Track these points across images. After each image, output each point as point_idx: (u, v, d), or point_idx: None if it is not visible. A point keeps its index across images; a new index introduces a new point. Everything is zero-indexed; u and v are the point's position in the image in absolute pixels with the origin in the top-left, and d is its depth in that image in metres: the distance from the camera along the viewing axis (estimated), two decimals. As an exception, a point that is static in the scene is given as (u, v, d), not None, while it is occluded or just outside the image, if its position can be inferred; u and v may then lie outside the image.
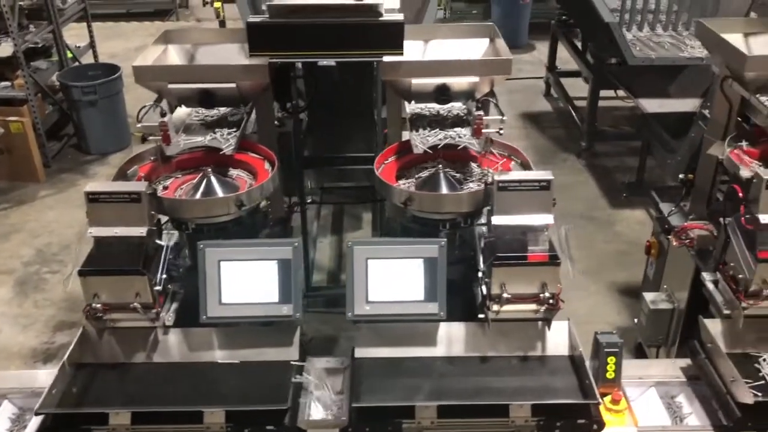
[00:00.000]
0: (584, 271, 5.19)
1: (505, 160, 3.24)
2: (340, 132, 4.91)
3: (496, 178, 2.73)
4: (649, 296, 3.74)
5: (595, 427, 2.63)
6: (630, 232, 5.71)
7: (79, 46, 7.84)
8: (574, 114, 7.13)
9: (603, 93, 6.58)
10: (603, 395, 2.83)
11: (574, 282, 5.12)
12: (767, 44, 3.44)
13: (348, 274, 2.83)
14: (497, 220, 2.76)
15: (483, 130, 2.92)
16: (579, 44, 7.38)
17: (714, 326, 2.96)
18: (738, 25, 3.54)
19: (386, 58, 2.98)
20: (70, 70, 7.15)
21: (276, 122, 4.16)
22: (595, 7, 5.65)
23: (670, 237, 3.49)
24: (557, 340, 2.93)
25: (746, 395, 2.62)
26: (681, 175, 3.73)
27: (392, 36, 2.93)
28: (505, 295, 2.75)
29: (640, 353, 4.18)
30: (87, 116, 6.88)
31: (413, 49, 3.40)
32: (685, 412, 2.90)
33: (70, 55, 7.40)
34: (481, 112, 2.91)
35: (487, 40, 3.46)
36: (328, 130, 4.79)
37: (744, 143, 3.25)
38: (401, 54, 2.97)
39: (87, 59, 7.90)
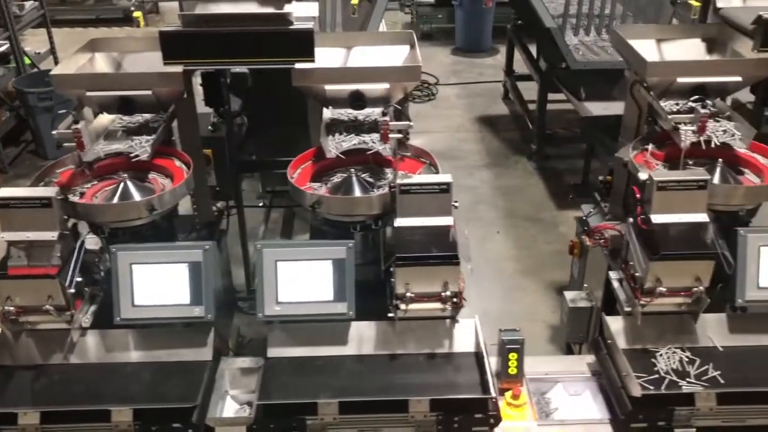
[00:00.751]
0: (524, 270, 5.31)
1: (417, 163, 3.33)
2: (284, 135, 4.97)
3: (398, 181, 2.83)
4: (569, 295, 3.84)
5: (491, 421, 2.72)
6: (573, 234, 5.77)
7: (39, 53, 7.88)
8: (526, 117, 7.25)
9: (558, 96, 6.70)
10: (505, 391, 2.95)
11: (514, 281, 5.28)
12: (678, 50, 3.55)
13: (258, 276, 2.91)
14: (400, 222, 2.85)
15: (390, 135, 3.00)
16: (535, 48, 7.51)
17: (615, 323, 3.07)
18: (652, 31, 3.65)
19: (298, 65, 3.07)
20: (27, 77, 7.20)
21: (210, 127, 4.25)
22: (537, 13, 5.76)
23: (584, 237, 3.59)
24: (464, 337, 3.02)
25: (636, 389, 2.72)
26: (600, 177, 3.84)
27: (303, 43, 3.01)
28: (409, 294, 2.84)
29: (571, 350, 4.28)
30: (43, 122, 6.92)
31: (334, 56, 3.50)
32: (589, 407, 3.00)
33: (28, 61, 7.45)
34: (387, 118, 2.99)
35: (407, 47, 3.54)
36: (271, 134, 4.86)
37: (651, 146, 3.35)
38: (312, 61, 3.05)
39: (48, 65, 7.94)
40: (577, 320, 3.77)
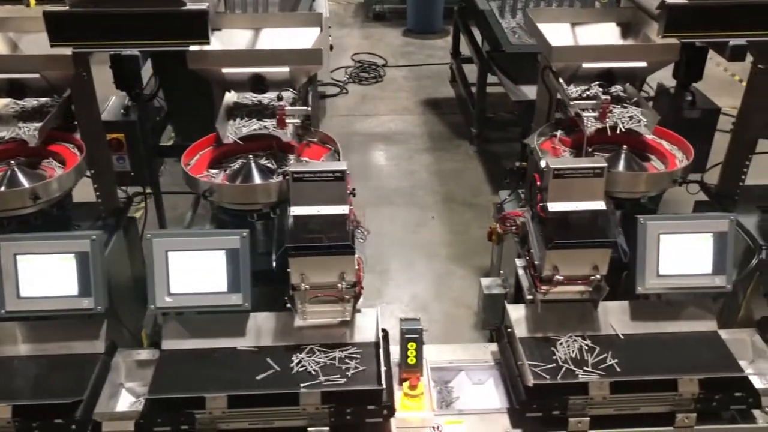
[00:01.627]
0: (456, 256, 5.28)
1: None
2: (207, 119, 4.85)
3: (290, 169, 2.75)
4: (485, 281, 3.81)
5: (384, 412, 2.69)
6: (507, 218, 5.80)
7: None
8: (468, 101, 7.19)
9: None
10: (405, 381, 2.91)
11: (445, 267, 5.25)
12: (590, 34, 3.51)
13: (148, 266, 2.82)
14: (294, 210, 2.78)
15: (287, 121, 2.92)
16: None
17: (516, 311, 3.05)
18: (566, 15, 3.61)
19: (192, 48, 2.96)
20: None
21: (122, 110, 4.11)
22: (472, -5, 5.70)
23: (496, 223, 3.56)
24: (366, 327, 2.97)
25: (529, 378, 2.70)
26: (517, 163, 3.80)
27: (196, 25, 2.90)
28: (304, 285, 2.78)
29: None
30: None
31: (240, 39, 3.39)
32: (491, 396, 2.98)
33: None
34: (282, 103, 2.91)
35: (317, 30, 3.45)
36: (193, 117, 4.73)
37: (559, 132, 3.32)
38: (207, 43, 2.95)
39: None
40: (491, 307, 3.75)
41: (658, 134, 3.31)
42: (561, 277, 2.84)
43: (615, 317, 3.04)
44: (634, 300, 3.05)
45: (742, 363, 3.08)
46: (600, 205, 2.83)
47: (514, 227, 3.48)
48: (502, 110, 7.29)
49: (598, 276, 2.84)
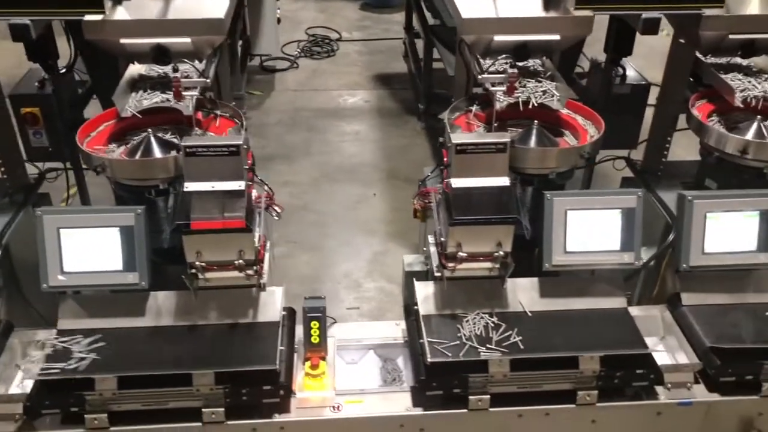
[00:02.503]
0: (394, 233, 5.23)
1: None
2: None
3: (183, 143, 2.66)
4: (408, 258, 3.75)
5: (281, 392, 2.64)
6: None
7: None
8: (417, 76, 7.10)
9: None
10: (308, 360, 2.86)
11: (382, 244, 5.20)
12: (511, 6, 3.42)
13: (39, 244, 2.73)
14: (189, 186, 2.69)
15: (184, 93, 2.82)
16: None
17: (424, 289, 3.01)
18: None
19: (88, 18, 2.84)
20: None
21: (37, 83, 3.97)
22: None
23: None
24: (270, 306, 2.92)
25: (428, 355, 2.67)
26: (441, 139, 3.73)
27: (90, -6, 2.78)
28: (198, 262, 2.70)
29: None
30: None
31: (152, 9, 3.26)
32: (401, 374, 2.95)
33: None
34: (178, 74, 2.81)
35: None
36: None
37: (475, 107, 3.26)
38: (102, 13, 2.83)
39: None
40: (412, 284, 3.69)
41: (573, 109, 3.26)
42: (465, 254, 2.80)
43: (524, 294, 3.01)
44: (543, 277, 3.03)
45: (653, 340, 3.09)
46: (504, 181, 2.79)
47: (430, 203, 3.42)
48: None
49: (502, 253, 2.80)
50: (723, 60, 3.42)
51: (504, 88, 2.92)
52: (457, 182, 2.77)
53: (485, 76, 2.95)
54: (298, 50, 8.31)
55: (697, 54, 3.40)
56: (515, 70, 2.89)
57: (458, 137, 2.76)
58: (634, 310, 3.09)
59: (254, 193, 3.39)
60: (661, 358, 3.01)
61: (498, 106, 3.01)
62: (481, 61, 3.14)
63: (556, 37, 3.06)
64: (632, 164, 3.88)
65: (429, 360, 2.64)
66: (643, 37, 3.26)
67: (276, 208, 3.41)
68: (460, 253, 2.79)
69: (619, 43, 3.91)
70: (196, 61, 3.10)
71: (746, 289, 3.06)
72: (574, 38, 3.12)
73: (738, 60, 3.41)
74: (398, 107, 7.21)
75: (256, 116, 6.89)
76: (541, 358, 2.71)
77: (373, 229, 5.30)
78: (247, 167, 2.77)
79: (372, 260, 4.98)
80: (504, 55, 3.08)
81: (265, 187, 3.43)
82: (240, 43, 7.28)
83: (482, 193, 2.77)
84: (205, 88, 2.90)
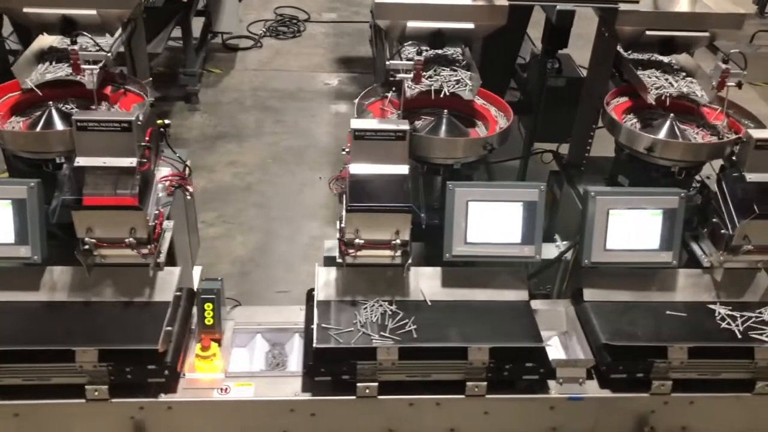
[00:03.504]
0: (334, 218, 5.19)
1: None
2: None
3: (74, 117, 2.62)
4: (328, 243, 3.71)
5: (166, 372, 2.62)
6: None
7: None
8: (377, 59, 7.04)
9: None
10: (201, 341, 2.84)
11: (320, 229, 5.18)
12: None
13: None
14: (80, 161, 2.65)
15: (84, 66, 2.77)
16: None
17: (326, 274, 2.99)
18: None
19: (-12, -15, 2.79)
20: None
21: None
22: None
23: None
24: (165, 286, 2.89)
25: (314, 341, 2.66)
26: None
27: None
28: (90, 239, 2.67)
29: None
30: None
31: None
32: (286, 359, 2.94)
33: None
34: (76, 47, 2.76)
35: (149, -26, 3.28)
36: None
37: (391, 94, 3.23)
38: (5, -19, 2.78)
39: None
40: (330, 269, 3.68)
41: (488, 100, 3.23)
42: (361, 241, 2.78)
43: (426, 283, 2.99)
44: (446, 266, 3.02)
45: (554, 334, 3.10)
46: (402, 169, 2.76)
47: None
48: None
49: (399, 241, 2.78)
50: (646, 56, 3.39)
51: (411, 75, 2.89)
52: (355, 168, 2.74)
53: (392, 62, 2.92)
54: (264, 29, 8.22)
55: (620, 49, 3.37)
56: (421, 58, 2.86)
57: (357, 122, 2.73)
58: (538, 304, 3.09)
59: (167, 171, 3.38)
60: (559, 352, 3.03)
61: (409, 93, 2.98)
62: (399, 47, 3.10)
63: (470, 25, 3.03)
64: (559, 158, 3.87)
65: (315, 345, 2.63)
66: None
67: (189, 188, 3.39)
68: (358, 240, 2.77)
69: (554, 35, 3.90)
70: (107, 35, 3.05)
71: (650, 287, 3.05)
72: (490, 27, 3.08)
73: (662, 57, 3.39)
74: (358, 92, 7.07)
75: (212, 94, 6.83)
76: (430, 348, 2.71)
77: (314, 213, 5.28)
78: (144, 144, 2.73)
79: (309, 244, 4.96)
80: (409, 42, 3.04)
81: (182, 167, 3.43)
82: (203, 20, 7.23)
83: (380, 180, 2.75)
84: (107, 62, 2.84)
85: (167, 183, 3.33)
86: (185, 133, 6.14)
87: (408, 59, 2.93)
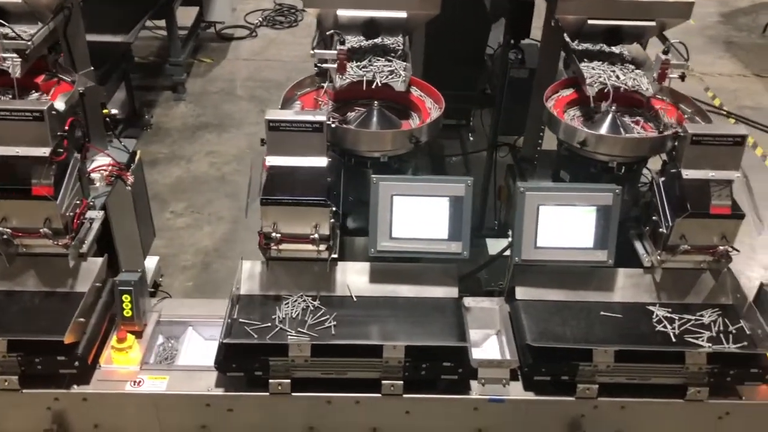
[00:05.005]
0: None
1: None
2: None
3: (-14, 106, 2.61)
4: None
5: (76, 363, 2.60)
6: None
7: None
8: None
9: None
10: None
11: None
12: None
13: None
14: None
15: (2, 55, 2.75)
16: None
17: (251, 268, 2.94)
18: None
19: None
20: None
21: None
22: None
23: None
24: (86, 277, 2.87)
25: (222, 335, 2.62)
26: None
27: None
28: (5, 228, 2.66)
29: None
30: None
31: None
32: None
33: None
34: (-5, 36, 2.74)
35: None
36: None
37: (326, 84, 3.16)
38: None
39: None
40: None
41: (425, 91, 3.14)
42: (278, 235, 2.72)
43: (354, 278, 2.93)
44: (375, 262, 2.95)
45: (486, 333, 3.01)
46: (321, 161, 2.70)
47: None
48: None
49: (317, 235, 2.72)
50: (597, 47, 3.26)
51: (335, 65, 2.81)
52: (272, 160, 2.69)
53: (316, 51, 2.85)
54: (260, 19, 8.19)
55: (569, 40, 3.25)
56: (345, 47, 2.78)
57: (272, 113, 2.67)
58: (472, 302, 3.01)
59: (107, 161, 3.37)
60: (494, 352, 2.95)
61: (338, 83, 2.90)
62: (338, 36, 3.02)
63: (403, 14, 2.94)
64: (514, 152, 3.76)
65: (223, 340, 2.59)
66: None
67: (127, 178, 3.37)
68: (275, 234, 2.72)
69: (516, 25, 3.78)
70: (40, 24, 3.03)
71: (586, 287, 2.95)
72: (424, 17, 2.99)
73: (615, 49, 3.25)
74: (347, 82, 7.08)
75: (200, 84, 6.82)
76: (345, 345, 2.65)
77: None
78: (61, 134, 2.70)
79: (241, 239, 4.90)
80: (332, 31, 2.95)
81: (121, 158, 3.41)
82: (197, 10, 7.22)
83: (297, 173, 2.69)
84: (31, 51, 2.81)
85: (105, 173, 3.33)
86: (168, 122, 6.14)
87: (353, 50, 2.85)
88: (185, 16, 7.00)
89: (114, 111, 3.61)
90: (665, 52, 2.81)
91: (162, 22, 6.50)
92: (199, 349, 2.92)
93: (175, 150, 5.79)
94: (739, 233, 2.80)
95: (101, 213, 3.05)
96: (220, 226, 4.93)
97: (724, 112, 6.61)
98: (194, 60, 7.20)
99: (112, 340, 2.78)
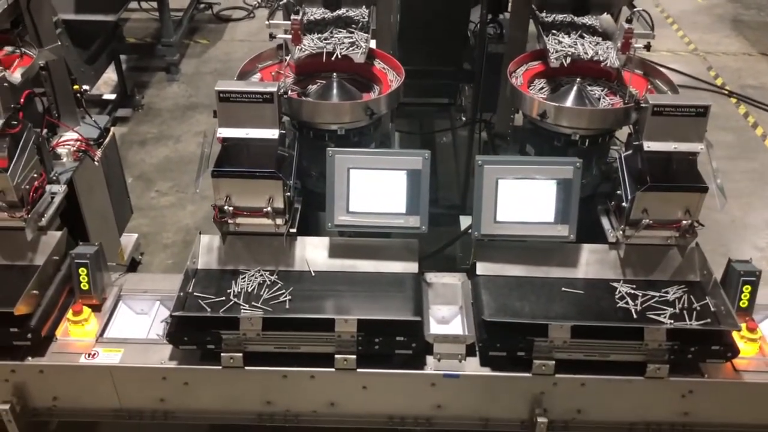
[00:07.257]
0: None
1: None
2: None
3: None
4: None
5: (29, 336, 2.60)
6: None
7: None
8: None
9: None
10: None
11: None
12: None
13: None
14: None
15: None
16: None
17: (208, 242, 2.93)
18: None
19: None
20: None
21: None
22: None
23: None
24: (44, 250, 2.86)
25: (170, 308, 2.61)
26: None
27: None
28: (-41, 201, 2.68)
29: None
30: None
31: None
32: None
33: None
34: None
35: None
36: None
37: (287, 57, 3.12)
38: None
39: None
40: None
41: (388, 63, 3.09)
42: (231, 208, 2.70)
43: (313, 253, 2.91)
44: (335, 237, 2.92)
45: (450, 308, 2.97)
46: (272, 133, 2.66)
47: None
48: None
49: (270, 209, 2.69)
50: (567, 18, 3.18)
51: (290, 36, 2.77)
52: (224, 132, 2.66)
53: (271, 22, 2.81)
54: (259, 0, 8.13)
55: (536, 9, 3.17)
56: (298, 17, 2.74)
57: (223, 83, 2.64)
58: (434, 277, 2.98)
59: (74, 136, 3.37)
60: (453, 328, 2.91)
61: (297, 55, 2.87)
62: (298, 7, 2.99)
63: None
64: (489, 127, 3.70)
65: (173, 313, 2.58)
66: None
67: (94, 154, 3.37)
68: (227, 207, 2.70)
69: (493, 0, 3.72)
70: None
71: (549, 262, 2.90)
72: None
73: (586, 20, 3.17)
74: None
75: (194, 65, 6.81)
76: (298, 319, 2.62)
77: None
78: (16, 106, 2.70)
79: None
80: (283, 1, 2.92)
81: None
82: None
83: (249, 145, 2.66)
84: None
85: (72, 149, 3.33)
86: (159, 103, 6.14)
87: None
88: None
89: (85, 87, 3.61)
90: (629, 21, 2.73)
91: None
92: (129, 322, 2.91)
93: (164, 130, 5.79)
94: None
95: (64, 187, 3.05)
96: (204, 205, 4.92)
97: (726, 92, 6.47)
98: (190, 41, 7.19)
99: (68, 313, 2.78)
